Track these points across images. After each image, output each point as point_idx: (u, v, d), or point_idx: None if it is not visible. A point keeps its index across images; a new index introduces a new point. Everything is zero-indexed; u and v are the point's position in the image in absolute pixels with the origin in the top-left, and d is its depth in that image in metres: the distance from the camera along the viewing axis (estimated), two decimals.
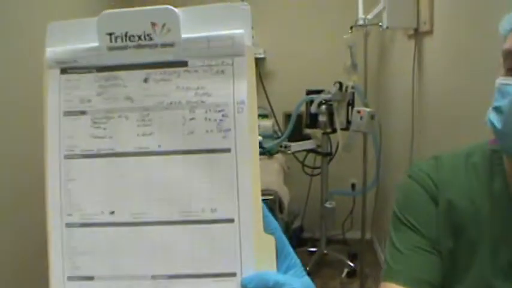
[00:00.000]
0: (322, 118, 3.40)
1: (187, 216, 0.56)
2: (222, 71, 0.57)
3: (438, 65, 2.32)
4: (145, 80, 0.58)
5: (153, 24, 0.57)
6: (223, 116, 0.57)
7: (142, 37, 0.57)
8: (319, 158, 3.63)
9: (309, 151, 3.58)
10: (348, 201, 3.90)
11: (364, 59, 3.02)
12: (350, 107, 3.34)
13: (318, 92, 3.39)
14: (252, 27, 0.59)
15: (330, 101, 3.33)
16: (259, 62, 4.02)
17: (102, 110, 0.58)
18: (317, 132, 3.56)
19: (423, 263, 0.87)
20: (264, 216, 0.57)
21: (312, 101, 3.37)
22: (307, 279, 0.58)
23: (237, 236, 0.56)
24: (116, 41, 0.57)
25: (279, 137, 3.54)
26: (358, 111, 2.83)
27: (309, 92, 3.48)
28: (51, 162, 0.58)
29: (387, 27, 2.61)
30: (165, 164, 0.57)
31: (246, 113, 0.56)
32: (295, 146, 3.40)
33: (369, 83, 3.42)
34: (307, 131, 3.61)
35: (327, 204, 3.51)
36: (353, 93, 3.32)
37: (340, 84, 3.29)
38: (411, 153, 2.68)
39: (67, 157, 0.58)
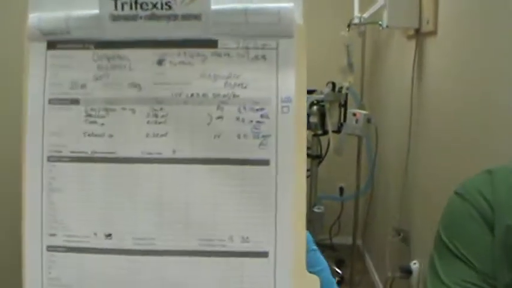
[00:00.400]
0: (314, 119, 3.27)
1: (209, 246, 0.44)
2: (263, 57, 0.44)
3: (442, 68, 2.21)
4: (160, 62, 0.44)
5: None
6: (262, 116, 0.44)
7: (158, 5, 0.43)
8: (308, 160, 3.51)
9: None
10: (336, 205, 3.79)
11: (361, 59, 2.90)
12: (343, 109, 3.22)
13: (310, 92, 3.27)
14: None
15: (322, 101, 3.20)
16: None
17: (100, 99, 0.45)
18: (307, 134, 3.43)
19: None
20: (308, 251, 0.45)
21: None
22: None
23: (271, 275, 0.44)
24: (122, 8, 0.43)
25: None
26: (354, 114, 2.71)
27: None
28: (30, 165, 0.45)
29: (387, 26, 2.48)
30: (181, 175, 0.44)
31: (293, 115, 0.43)
32: None
33: (365, 85, 3.31)
34: None
35: (316, 209, 3.39)
36: (346, 94, 3.20)
37: (333, 84, 3.16)
38: (407, 158, 2.57)
39: (51, 159, 0.45)
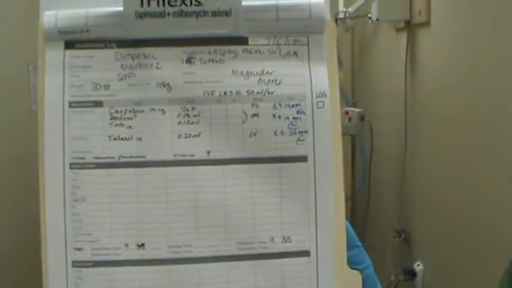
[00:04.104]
0: None
1: (249, 249, 0.42)
2: (295, 53, 0.44)
3: (436, 60, 2.14)
4: (189, 61, 0.42)
5: None
6: (298, 112, 0.44)
7: (187, 1, 0.41)
8: None
9: None
10: None
11: (350, 55, 2.80)
12: None
13: None
14: None
15: None
16: None
17: (126, 100, 0.42)
18: None
19: None
20: (352, 247, 0.41)
21: None
22: None
23: (313, 274, 0.42)
24: (149, 4, 0.41)
25: None
26: (346, 112, 2.61)
27: None
28: (49, 174, 0.42)
29: (377, 20, 2.39)
30: (217, 177, 0.42)
31: (328, 109, 0.44)
32: None
33: (356, 81, 3.22)
34: None
35: None
36: None
37: None
38: (404, 156, 2.48)
39: (74, 167, 0.42)
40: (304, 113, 0.44)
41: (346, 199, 2.69)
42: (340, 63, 2.58)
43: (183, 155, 0.43)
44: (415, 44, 2.36)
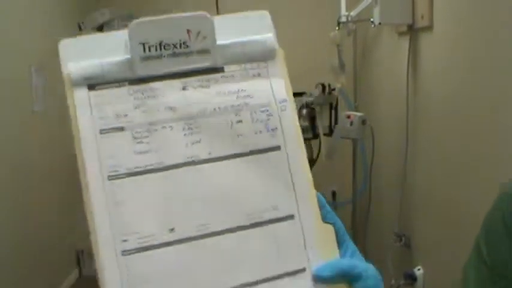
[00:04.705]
0: (303, 123, 3.16)
1: (252, 219, 0.56)
2: (259, 74, 0.59)
3: (438, 64, 2.13)
4: (184, 89, 0.58)
5: (188, 32, 0.58)
6: (268, 115, 0.58)
7: (178, 45, 0.57)
8: None
9: None
10: None
11: (353, 59, 2.79)
12: (333, 111, 3.12)
13: (299, 94, 3.16)
14: None
15: (311, 104, 3.09)
16: None
17: (142, 123, 0.56)
18: None
19: None
20: (321, 207, 0.58)
21: None
22: (370, 264, 0.58)
23: (300, 232, 0.57)
24: (149, 50, 0.57)
25: None
26: (348, 116, 2.60)
27: None
28: (93, 186, 0.54)
29: (380, 24, 2.38)
30: (218, 170, 0.57)
31: (290, 111, 0.59)
32: None
33: (358, 85, 3.21)
34: None
35: None
36: (337, 97, 3.09)
37: (323, 86, 3.06)
38: (405, 160, 2.47)
39: (111, 178, 0.55)
40: (272, 115, 0.58)
41: (347, 202, 2.68)
42: (342, 67, 2.56)
43: (191, 157, 0.56)
44: (417, 48, 2.35)
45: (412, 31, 2.36)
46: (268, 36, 0.60)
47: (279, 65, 0.59)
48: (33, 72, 3.09)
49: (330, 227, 0.57)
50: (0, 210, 2.67)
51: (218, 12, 3.61)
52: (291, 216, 0.57)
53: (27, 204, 2.97)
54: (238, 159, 0.56)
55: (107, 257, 0.53)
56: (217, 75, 0.58)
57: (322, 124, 3.08)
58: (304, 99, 3.09)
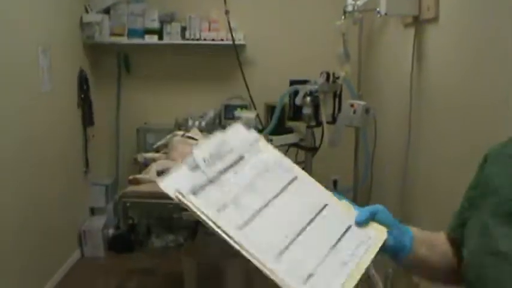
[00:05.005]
0: (307, 110, 3.17)
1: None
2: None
3: (443, 56, 2.13)
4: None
5: None
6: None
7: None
8: (301, 152, 3.41)
9: (291, 145, 3.36)
10: None
11: (358, 48, 2.80)
12: (337, 99, 3.13)
13: (303, 82, 3.17)
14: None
15: (315, 92, 3.10)
16: (238, 48, 3.77)
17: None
18: (300, 126, 3.34)
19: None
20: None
21: (296, 92, 3.14)
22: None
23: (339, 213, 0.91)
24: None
25: (260, 130, 3.31)
26: (351, 105, 2.62)
27: (292, 82, 3.26)
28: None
29: (386, 14, 2.39)
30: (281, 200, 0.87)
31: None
32: (278, 140, 3.16)
33: (362, 74, 3.21)
34: (290, 123, 3.39)
35: None
36: (341, 85, 3.10)
37: (328, 74, 3.07)
38: (407, 151, 2.49)
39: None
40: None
41: (348, 191, 2.70)
42: (347, 56, 2.56)
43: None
44: (423, 40, 2.36)
45: (418, 22, 2.37)
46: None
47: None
48: (40, 54, 3.11)
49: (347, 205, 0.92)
50: (6, 190, 2.70)
51: (226, 6, 3.63)
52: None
53: (34, 183, 3.01)
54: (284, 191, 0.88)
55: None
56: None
57: (325, 112, 3.10)
58: (309, 87, 3.10)
